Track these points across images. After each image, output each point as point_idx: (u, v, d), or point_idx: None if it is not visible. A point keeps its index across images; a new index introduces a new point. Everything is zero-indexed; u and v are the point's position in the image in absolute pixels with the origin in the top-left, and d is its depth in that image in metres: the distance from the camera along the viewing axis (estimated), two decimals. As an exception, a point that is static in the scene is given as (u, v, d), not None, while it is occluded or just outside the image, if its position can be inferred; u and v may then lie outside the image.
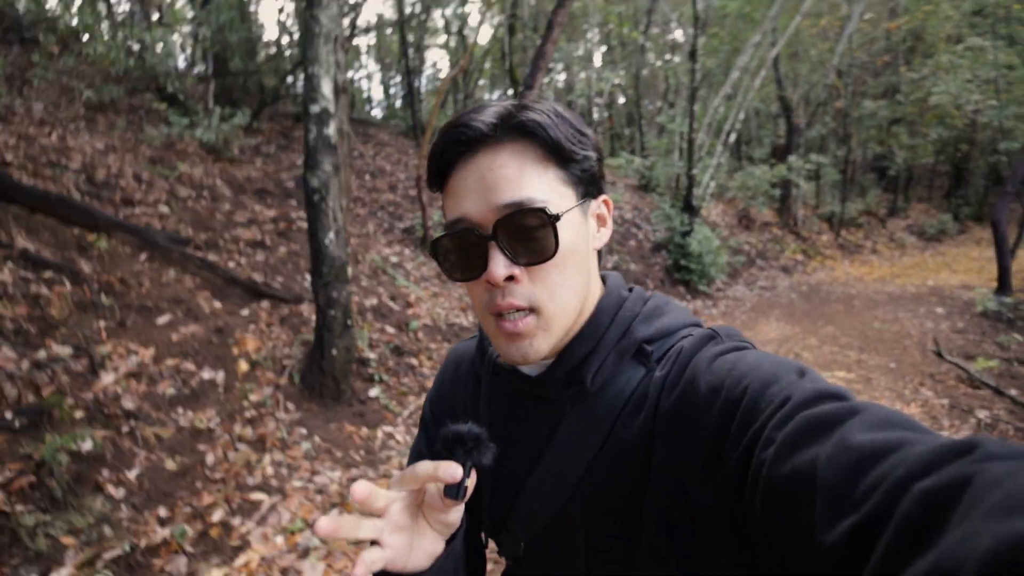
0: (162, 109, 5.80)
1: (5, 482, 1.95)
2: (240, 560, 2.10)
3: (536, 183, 0.52)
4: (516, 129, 0.53)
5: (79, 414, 2.33)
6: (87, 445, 2.21)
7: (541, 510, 0.59)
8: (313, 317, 3.68)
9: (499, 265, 0.52)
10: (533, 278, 0.53)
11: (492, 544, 0.69)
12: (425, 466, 0.47)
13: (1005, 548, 0.21)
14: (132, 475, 2.27)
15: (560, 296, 0.54)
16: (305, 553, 2.17)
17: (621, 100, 15.63)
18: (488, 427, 0.53)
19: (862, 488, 0.31)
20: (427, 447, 0.73)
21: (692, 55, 8.15)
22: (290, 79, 8.38)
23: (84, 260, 3.17)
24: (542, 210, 0.51)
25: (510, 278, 0.52)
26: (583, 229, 0.57)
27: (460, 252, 0.55)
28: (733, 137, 10.01)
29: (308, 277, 4.22)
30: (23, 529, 1.89)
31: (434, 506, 0.49)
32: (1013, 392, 4.08)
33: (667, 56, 14.45)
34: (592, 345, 0.58)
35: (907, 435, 0.33)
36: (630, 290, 0.64)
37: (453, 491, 0.47)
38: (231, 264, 3.88)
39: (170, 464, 2.40)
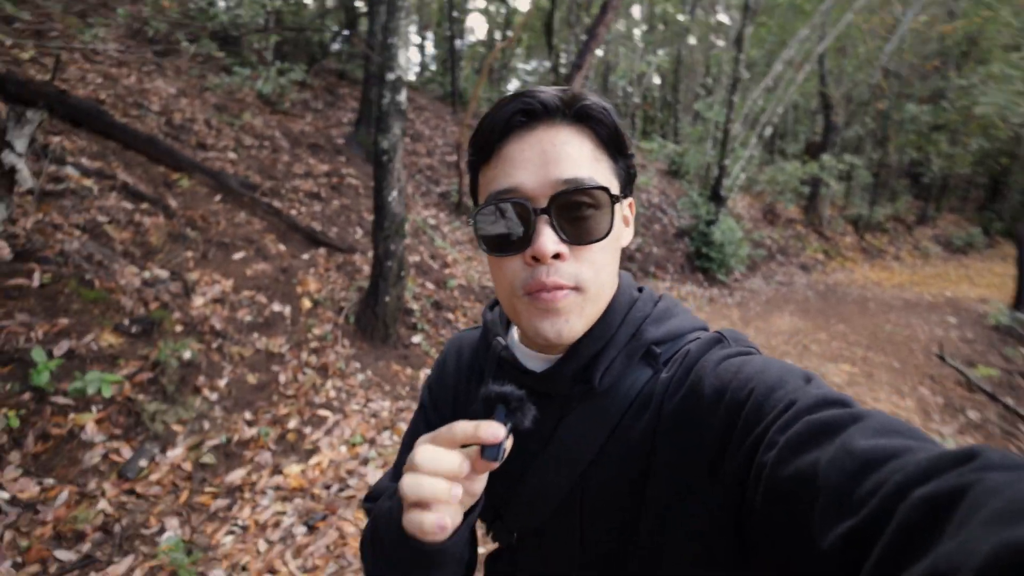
0: (222, 58, 6.09)
1: (130, 375, 2.35)
2: (313, 460, 2.50)
3: (595, 166, 0.53)
4: (581, 114, 0.53)
5: (179, 328, 2.72)
6: (187, 355, 2.60)
7: (538, 504, 0.60)
8: (365, 267, 4.04)
9: (549, 240, 0.51)
10: (579, 257, 0.53)
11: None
12: (464, 426, 0.46)
13: (1005, 554, 0.21)
14: (222, 383, 2.67)
15: (603, 278, 0.55)
16: (365, 462, 2.57)
17: (656, 81, 15.49)
18: (537, 418, 0.52)
19: (862, 492, 0.31)
20: (426, 431, 0.73)
21: (738, 43, 8.16)
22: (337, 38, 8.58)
23: (171, 196, 3.54)
24: (605, 189, 0.52)
25: (557, 256, 0.52)
26: (621, 222, 0.58)
27: (504, 224, 0.54)
28: (769, 131, 10.02)
29: (359, 230, 4.56)
30: (145, 414, 2.29)
31: (463, 472, 0.47)
32: (1009, 400, 4.33)
33: (712, 38, 14.23)
34: (602, 344, 0.58)
35: (909, 443, 0.33)
36: (640, 290, 0.64)
37: (493, 452, 0.46)
38: (292, 212, 4.23)
39: (251, 378, 2.80)
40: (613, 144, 0.55)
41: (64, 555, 1.78)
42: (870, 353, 5.54)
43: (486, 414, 0.49)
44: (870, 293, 9.33)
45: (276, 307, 3.28)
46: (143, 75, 4.99)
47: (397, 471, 0.69)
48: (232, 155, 4.43)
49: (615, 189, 0.55)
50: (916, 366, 5.18)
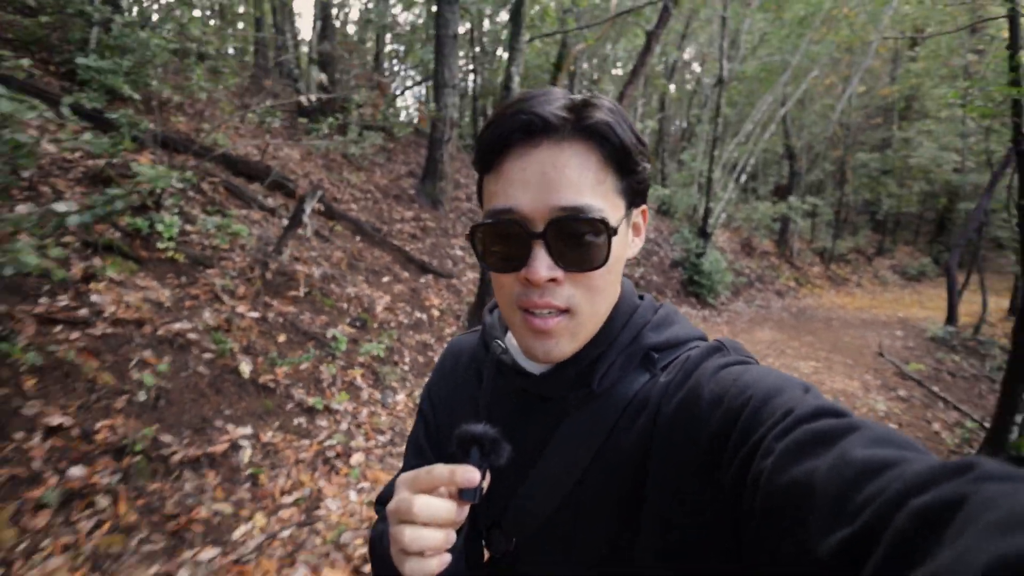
0: (305, 123, 7.62)
1: (360, 363, 3.74)
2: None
3: (596, 190, 0.52)
4: (587, 131, 0.52)
5: (375, 326, 4.13)
6: (387, 342, 4.00)
7: (536, 509, 0.60)
8: (463, 288, 5.48)
9: (543, 266, 0.51)
10: (574, 282, 0.54)
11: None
12: (441, 470, 0.48)
13: (1003, 565, 0.21)
14: (407, 359, 4.06)
15: (596, 302, 0.56)
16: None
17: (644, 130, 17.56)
18: (511, 455, 0.52)
19: (859, 501, 0.31)
20: (425, 438, 0.75)
21: (716, 111, 10.05)
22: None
23: (334, 237, 4.98)
24: (603, 221, 0.51)
25: (552, 280, 0.52)
26: (625, 239, 0.57)
27: (501, 243, 0.54)
28: (744, 178, 11.90)
29: (449, 261, 6.03)
30: (380, 374, 3.68)
31: (459, 521, 0.48)
32: (935, 388, 5.90)
33: (692, 91, 16.40)
34: (603, 348, 0.59)
35: (906, 453, 0.33)
36: (640, 298, 0.65)
37: (470, 494, 0.48)
38: (405, 247, 5.70)
39: (420, 358, 4.20)
40: (620, 161, 0.54)
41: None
42: (831, 355, 7.11)
43: (461, 455, 0.50)
44: (835, 314, 11.01)
45: (417, 314, 4.71)
46: (269, 143, 6.47)
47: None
48: (354, 205, 5.90)
49: (618, 210, 0.54)
50: (864, 363, 6.75)
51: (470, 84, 13.09)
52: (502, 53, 12.23)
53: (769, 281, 13.30)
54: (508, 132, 0.52)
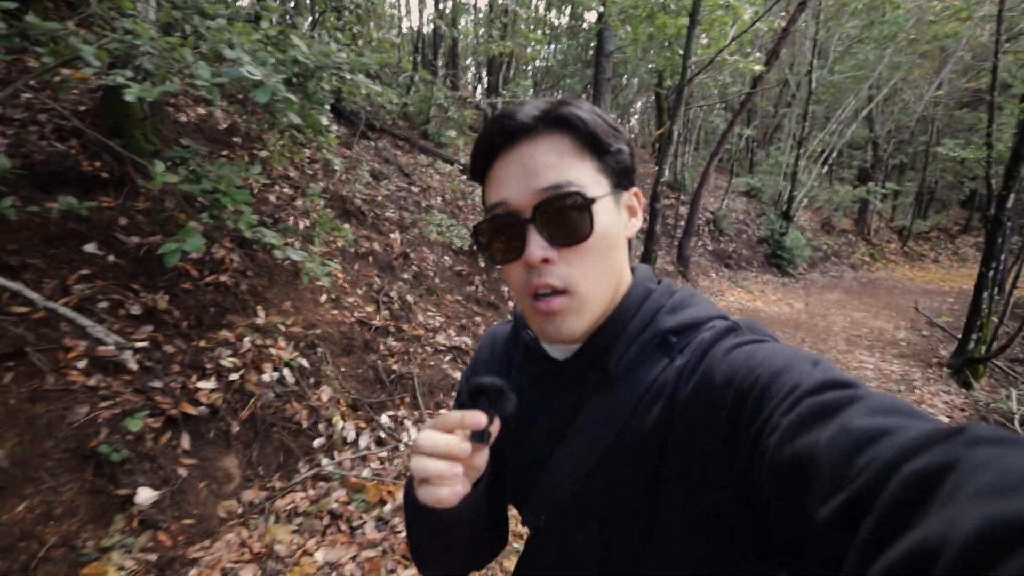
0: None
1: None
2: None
3: (573, 169, 0.57)
4: (556, 122, 0.57)
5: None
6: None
7: (561, 486, 0.64)
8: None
9: (536, 247, 0.56)
10: (568, 260, 0.57)
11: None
12: (454, 415, 0.54)
13: (991, 529, 0.22)
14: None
15: (592, 278, 0.58)
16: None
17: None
18: (518, 406, 0.58)
19: (856, 468, 0.32)
20: None
21: (804, 116, 12.30)
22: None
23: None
24: (579, 193, 0.55)
25: (546, 260, 0.56)
26: (616, 217, 0.60)
27: (500, 235, 0.59)
28: (826, 169, 14.01)
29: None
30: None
31: (458, 451, 0.53)
32: (941, 322, 8.34)
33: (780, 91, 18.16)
34: (616, 334, 0.62)
35: (904, 420, 0.34)
36: (658, 283, 0.67)
37: (479, 436, 0.54)
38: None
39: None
40: (593, 142, 0.58)
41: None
42: (880, 310, 9.58)
43: (472, 404, 0.57)
44: (901, 285, 12.99)
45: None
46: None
47: None
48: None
49: (601, 187, 0.58)
50: (905, 316, 9.19)
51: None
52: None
53: (845, 256, 15.31)
54: (491, 139, 0.59)
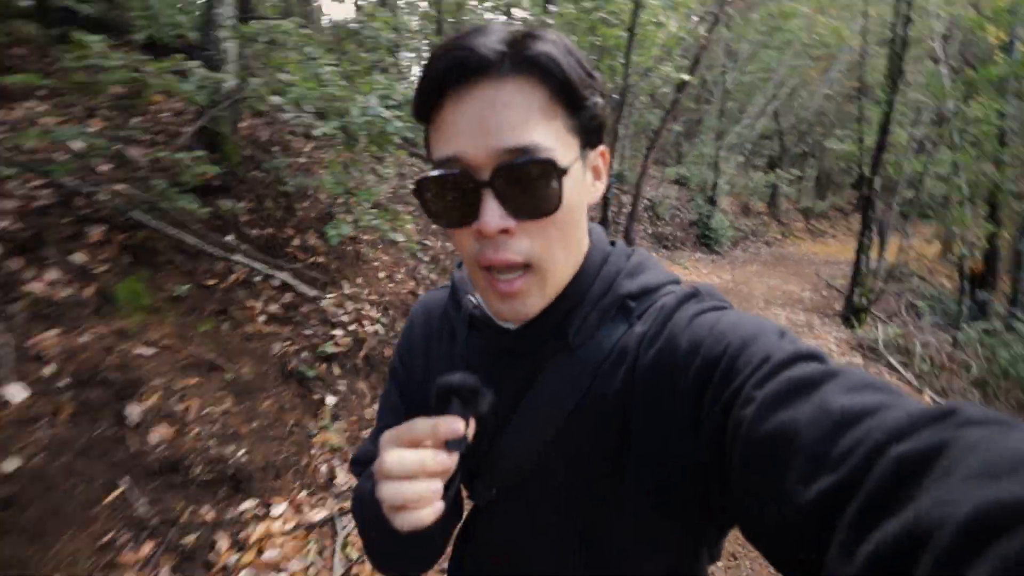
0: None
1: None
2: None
3: (543, 129, 0.49)
4: (526, 63, 0.49)
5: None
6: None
7: (516, 460, 0.60)
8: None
9: (494, 216, 0.49)
10: (529, 232, 0.51)
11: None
12: (423, 424, 0.47)
13: (985, 513, 0.21)
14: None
15: (557, 253, 0.53)
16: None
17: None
18: (494, 402, 0.52)
19: (839, 450, 0.32)
20: (400, 397, 0.74)
21: (721, 112, 14.15)
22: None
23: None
24: (550, 161, 0.48)
25: (504, 231, 0.50)
26: (582, 183, 0.55)
27: (449, 196, 0.51)
28: (743, 158, 16.08)
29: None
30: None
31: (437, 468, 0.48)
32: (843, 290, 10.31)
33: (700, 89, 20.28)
34: (576, 300, 0.58)
35: (884, 398, 0.34)
36: (612, 244, 0.64)
37: (456, 444, 0.48)
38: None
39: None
40: (569, 95, 0.50)
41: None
42: (790, 277, 11.56)
43: (439, 408, 0.49)
44: (807, 258, 15.29)
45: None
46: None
47: (377, 436, 0.71)
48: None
49: (571, 151, 0.52)
50: (809, 281, 11.17)
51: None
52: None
53: (761, 235, 17.52)
54: (443, 73, 0.49)
